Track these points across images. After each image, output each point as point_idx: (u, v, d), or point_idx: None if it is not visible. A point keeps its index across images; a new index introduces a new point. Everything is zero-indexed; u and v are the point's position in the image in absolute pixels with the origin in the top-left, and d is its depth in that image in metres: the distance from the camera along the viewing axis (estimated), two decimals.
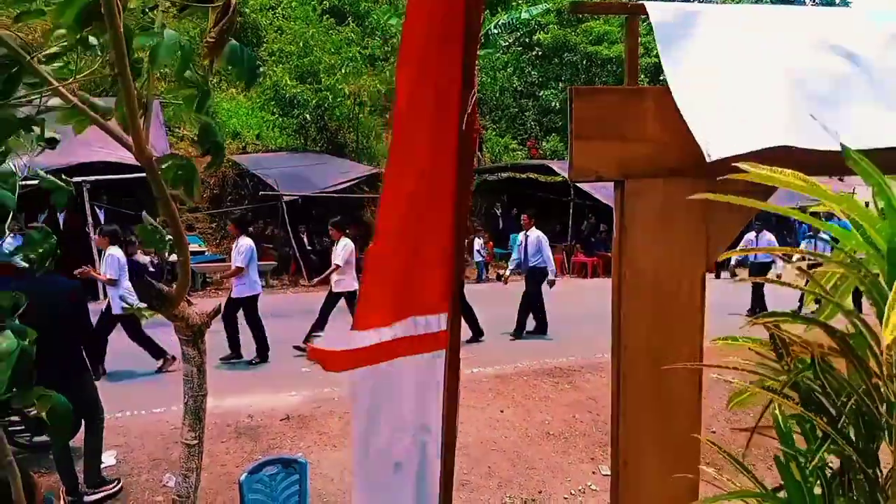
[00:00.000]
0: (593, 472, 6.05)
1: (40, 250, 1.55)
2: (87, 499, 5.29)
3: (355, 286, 9.38)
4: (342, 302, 9.50)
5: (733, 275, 13.30)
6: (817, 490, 1.09)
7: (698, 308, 2.07)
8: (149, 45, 1.25)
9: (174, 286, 2.06)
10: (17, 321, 1.40)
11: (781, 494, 1.23)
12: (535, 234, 10.82)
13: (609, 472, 5.82)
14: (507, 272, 11.79)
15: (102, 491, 5.35)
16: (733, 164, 0.99)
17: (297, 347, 9.32)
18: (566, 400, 7.72)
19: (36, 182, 1.71)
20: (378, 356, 2.05)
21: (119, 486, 5.46)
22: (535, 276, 10.75)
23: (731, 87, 1.83)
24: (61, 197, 1.65)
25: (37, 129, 1.53)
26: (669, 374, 2.08)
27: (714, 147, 1.65)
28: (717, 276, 15.11)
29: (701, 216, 1.92)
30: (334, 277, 9.50)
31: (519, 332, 10.79)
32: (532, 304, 10.80)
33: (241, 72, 1.43)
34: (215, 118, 16.25)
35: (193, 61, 1.38)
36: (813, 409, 1.10)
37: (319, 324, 9.37)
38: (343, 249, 9.47)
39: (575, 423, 7.06)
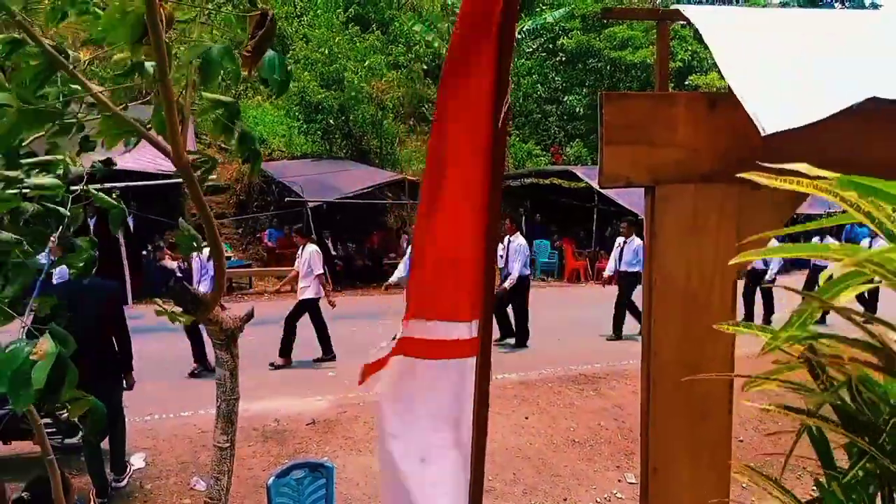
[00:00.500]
0: (619, 480, 6.00)
1: (84, 258, 1.59)
2: (115, 485, 5.49)
3: (320, 294, 9.40)
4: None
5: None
6: None
7: (729, 314, 2.05)
8: (195, 58, 1.29)
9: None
10: (59, 327, 1.43)
11: None
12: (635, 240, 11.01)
13: (635, 481, 5.80)
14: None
15: (127, 475, 5.61)
16: (781, 167, 0.97)
17: (271, 364, 9.16)
18: (591, 407, 7.67)
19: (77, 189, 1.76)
20: (408, 349, 2.08)
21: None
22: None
23: (781, 58, 1.78)
24: (116, 217, 1.71)
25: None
26: (700, 381, 2.07)
27: (767, 119, 1.55)
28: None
29: (732, 221, 1.91)
30: (301, 284, 9.40)
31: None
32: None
33: (274, 81, 1.46)
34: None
35: (232, 74, 1.41)
36: (852, 429, 1.08)
37: (287, 336, 9.32)
38: (309, 256, 9.37)
39: (600, 431, 7.01)
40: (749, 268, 12.03)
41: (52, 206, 1.68)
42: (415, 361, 2.16)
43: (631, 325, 10.81)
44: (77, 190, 1.82)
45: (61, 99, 1.57)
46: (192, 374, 8.63)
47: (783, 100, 1.61)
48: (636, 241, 10.99)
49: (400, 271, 10.09)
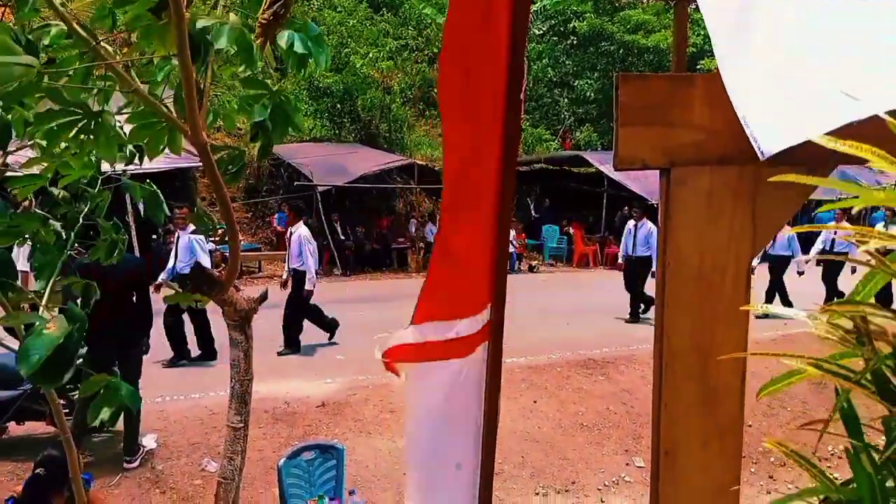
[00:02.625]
0: (627, 464, 6.02)
1: (112, 240, 1.63)
2: (128, 466, 5.58)
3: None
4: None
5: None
6: (890, 483, 1.06)
7: (744, 297, 2.04)
8: (212, 28, 1.28)
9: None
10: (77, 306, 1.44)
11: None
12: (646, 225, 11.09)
13: (643, 465, 5.82)
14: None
15: (139, 456, 5.69)
16: (803, 141, 0.96)
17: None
18: (600, 391, 7.68)
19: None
20: (432, 353, 2.07)
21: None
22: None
23: (786, 71, 1.77)
24: (152, 202, 1.75)
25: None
26: (713, 364, 2.06)
27: (766, 141, 1.58)
28: None
29: (749, 204, 1.89)
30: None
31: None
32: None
33: (294, 55, 1.45)
34: None
35: (253, 53, 1.40)
36: (891, 399, 1.07)
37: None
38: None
39: (609, 415, 7.03)
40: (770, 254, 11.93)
41: (83, 187, 1.70)
42: (439, 365, 2.14)
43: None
44: (107, 173, 1.85)
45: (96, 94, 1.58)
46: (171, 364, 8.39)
47: (784, 117, 1.62)
48: (648, 225, 11.02)
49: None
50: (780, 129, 1.59)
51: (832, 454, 5.93)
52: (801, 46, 1.77)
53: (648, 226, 10.99)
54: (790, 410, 7.29)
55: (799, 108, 1.64)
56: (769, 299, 11.38)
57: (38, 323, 1.37)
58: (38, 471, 3.29)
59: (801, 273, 11.46)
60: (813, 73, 1.73)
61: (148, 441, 5.92)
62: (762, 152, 1.58)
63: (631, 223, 11.36)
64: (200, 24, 1.30)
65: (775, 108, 1.64)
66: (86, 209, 1.79)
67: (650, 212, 11.21)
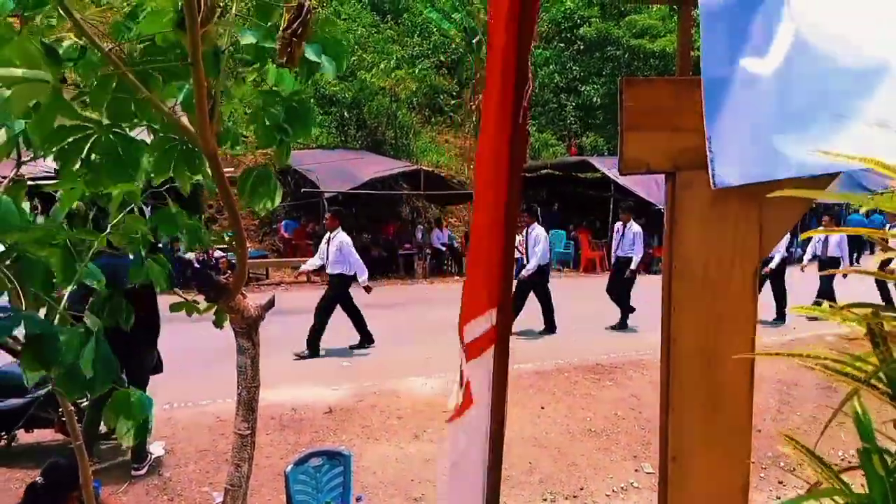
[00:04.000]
0: (636, 470, 5.99)
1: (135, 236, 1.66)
2: (136, 473, 5.58)
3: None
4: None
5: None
6: None
7: (750, 301, 2.04)
8: (228, 36, 1.30)
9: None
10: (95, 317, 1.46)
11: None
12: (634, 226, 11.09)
13: (652, 471, 5.79)
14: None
15: (147, 463, 5.68)
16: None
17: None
18: (608, 397, 7.66)
19: None
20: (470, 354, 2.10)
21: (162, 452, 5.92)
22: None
23: (758, 106, 1.79)
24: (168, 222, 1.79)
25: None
26: (720, 369, 2.06)
27: (720, 175, 1.66)
28: None
29: (755, 208, 1.89)
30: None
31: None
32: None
33: (314, 65, 1.46)
34: None
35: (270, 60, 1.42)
36: None
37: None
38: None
39: (617, 421, 7.00)
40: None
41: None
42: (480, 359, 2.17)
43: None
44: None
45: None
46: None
47: (741, 158, 1.67)
48: (635, 227, 10.98)
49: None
50: (738, 165, 1.62)
51: (843, 458, 5.89)
52: (779, 88, 1.77)
53: (635, 227, 10.93)
54: (799, 415, 7.25)
55: (762, 148, 1.66)
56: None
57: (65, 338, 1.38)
58: (36, 479, 3.29)
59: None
60: (784, 117, 1.73)
61: (156, 448, 5.93)
62: (714, 182, 1.64)
63: (619, 225, 11.32)
64: (216, 29, 1.32)
65: (740, 140, 1.66)
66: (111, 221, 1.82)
67: (635, 213, 11.20)
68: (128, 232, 1.82)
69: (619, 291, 11.07)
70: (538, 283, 10.43)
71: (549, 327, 10.73)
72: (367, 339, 9.54)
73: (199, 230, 2.12)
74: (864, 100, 1.70)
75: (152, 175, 1.64)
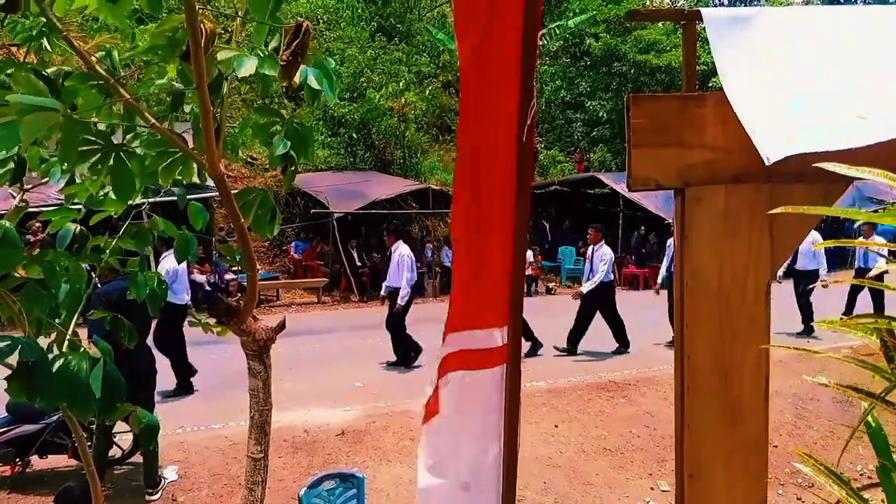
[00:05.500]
0: (651, 488, 5.92)
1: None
2: (149, 498, 5.56)
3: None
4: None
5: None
6: None
7: (763, 316, 2.02)
8: (229, 62, 1.31)
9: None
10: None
11: None
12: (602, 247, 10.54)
13: (668, 488, 5.72)
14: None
15: (161, 488, 5.65)
16: (815, 165, 0.96)
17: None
18: (622, 414, 7.59)
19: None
20: (455, 364, 2.07)
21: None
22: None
23: (788, 86, 1.78)
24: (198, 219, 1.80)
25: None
26: (735, 384, 2.04)
27: (771, 149, 1.60)
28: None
29: (765, 222, 1.88)
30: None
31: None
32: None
33: (310, 91, 1.48)
34: None
35: (272, 86, 1.44)
36: None
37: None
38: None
39: (631, 438, 6.93)
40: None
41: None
42: (464, 374, 2.13)
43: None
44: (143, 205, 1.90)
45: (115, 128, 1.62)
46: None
47: (785, 130, 1.64)
48: (604, 248, 10.39)
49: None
50: (784, 139, 1.59)
51: (862, 473, 5.80)
52: (806, 61, 1.77)
53: (604, 248, 10.30)
54: (816, 430, 7.15)
55: (805, 121, 1.65)
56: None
57: (75, 361, 1.39)
58: None
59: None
60: (818, 88, 1.73)
61: (169, 473, 5.92)
62: (767, 157, 1.59)
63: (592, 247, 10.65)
64: (221, 55, 1.33)
65: (780, 120, 1.65)
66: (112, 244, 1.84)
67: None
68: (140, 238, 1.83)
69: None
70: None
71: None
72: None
73: (189, 242, 2.12)
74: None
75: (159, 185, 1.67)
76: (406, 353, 9.50)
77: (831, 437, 6.87)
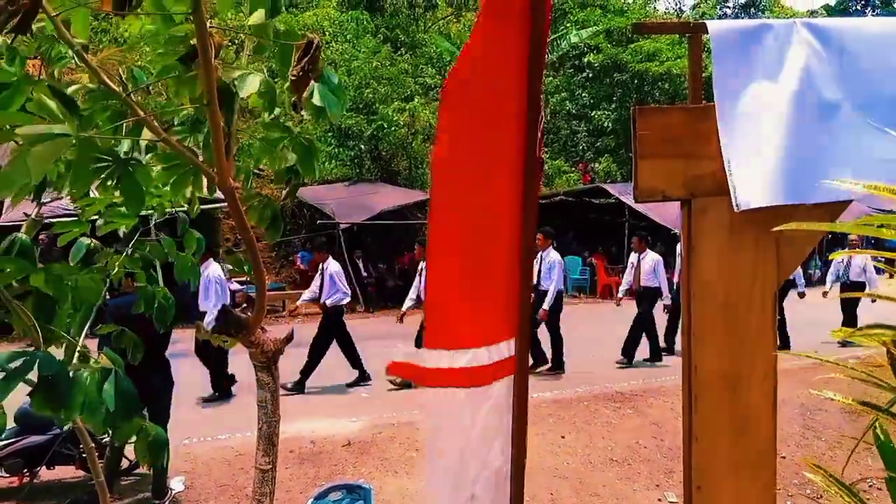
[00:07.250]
0: (659, 500, 5.89)
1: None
2: None
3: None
4: None
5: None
6: None
7: (770, 326, 2.03)
8: (237, 80, 1.33)
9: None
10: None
11: None
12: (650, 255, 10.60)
13: (675, 499, 5.69)
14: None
15: (168, 499, 5.65)
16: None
17: None
18: (629, 425, 7.56)
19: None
20: (451, 380, 2.04)
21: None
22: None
23: (777, 128, 1.81)
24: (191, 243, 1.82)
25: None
26: (743, 395, 2.04)
27: (744, 196, 1.68)
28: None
29: (772, 233, 1.89)
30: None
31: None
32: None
33: (315, 109, 1.50)
34: None
35: (278, 101, 1.46)
36: None
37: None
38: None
39: (638, 449, 6.90)
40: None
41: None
42: (457, 391, 2.11)
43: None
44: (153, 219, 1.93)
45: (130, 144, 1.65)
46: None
47: (764, 177, 1.69)
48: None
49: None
50: (760, 187, 1.64)
51: (871, 485, 5.76)
52: (802, 102, 1.79)
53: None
54: (825, 441, 7.11)
55: (782, 171, 1.68)
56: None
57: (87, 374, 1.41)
58: None
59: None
60: (807, 136, 1.75)
61: (176, 483, 5.91)
62: (737, 204, 1.66)
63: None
64: (228, 76, 1.35)
65: (760, 163, 1.67)
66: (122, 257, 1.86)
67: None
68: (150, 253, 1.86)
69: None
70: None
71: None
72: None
73: (189, 263, 2.16)
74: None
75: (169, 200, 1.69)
76: None
77: (840, 448, 6.82)
